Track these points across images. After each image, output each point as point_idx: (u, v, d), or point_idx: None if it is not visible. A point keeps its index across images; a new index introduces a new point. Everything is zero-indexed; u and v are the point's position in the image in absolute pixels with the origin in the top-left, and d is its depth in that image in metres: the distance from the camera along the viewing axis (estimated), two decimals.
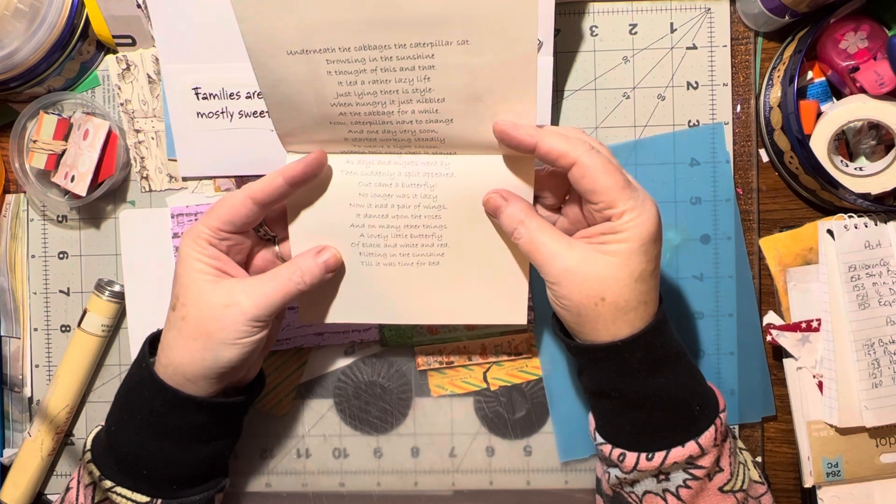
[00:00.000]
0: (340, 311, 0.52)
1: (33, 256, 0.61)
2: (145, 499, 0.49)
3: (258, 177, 0.48)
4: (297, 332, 0.60)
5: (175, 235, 0.59)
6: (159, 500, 0.49)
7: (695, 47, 0.58)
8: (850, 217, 0.57)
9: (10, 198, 0.61)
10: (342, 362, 0.60)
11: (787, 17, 0.54)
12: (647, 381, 0.46)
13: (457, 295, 0.51)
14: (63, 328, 0.61)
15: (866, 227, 0.56)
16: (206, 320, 0.46)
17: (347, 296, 0.52)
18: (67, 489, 0.52)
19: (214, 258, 0.48)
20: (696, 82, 0.58)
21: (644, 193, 0.45)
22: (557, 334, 0.50)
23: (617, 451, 0.47)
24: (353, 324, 0.60)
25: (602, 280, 0.44)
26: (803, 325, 0.57)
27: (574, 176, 0.44)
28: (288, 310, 0.59)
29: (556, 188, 0.49)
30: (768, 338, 0.57)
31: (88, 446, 0.51)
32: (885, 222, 0.56)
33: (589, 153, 0.43)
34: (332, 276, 0.50)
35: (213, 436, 0.50)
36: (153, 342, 0.50)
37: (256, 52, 0.44)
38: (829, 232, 0.56)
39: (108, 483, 0.49)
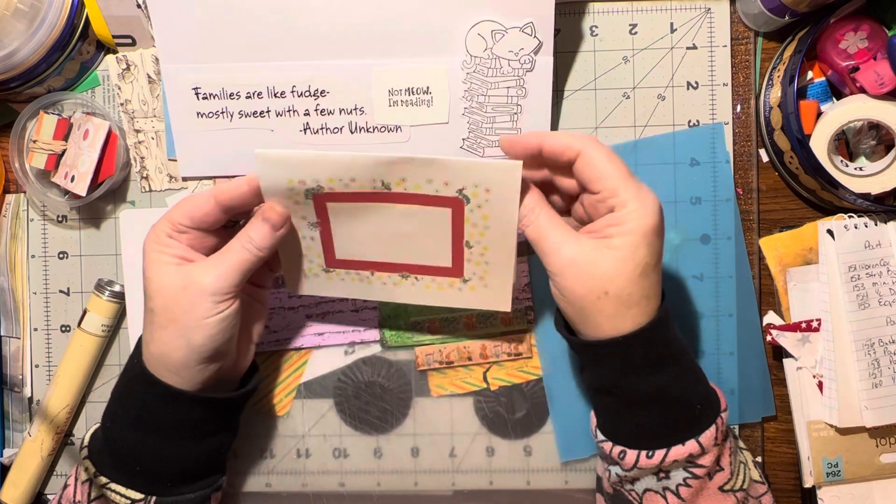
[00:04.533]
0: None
1: (33, 256, 0.61)
2: (139, 496, 0.49)
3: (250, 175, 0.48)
4: (297, 332, 0.60)
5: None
6: (153, 498, 0.49)
7: (695, 47, 0.58)
8: (850, 217, 0.57)
9: (10, 198, 0.61)
10: (342, 362, 0.60)
11: (787, 17, 0.54)
12: (648, 379, 0.46)
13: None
14: (63, 328, 0.61)
15: (866, 227, 0.56)
16: (170, 307, 0.47)
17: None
18: (65, 486, 0.52)
19: (174, 248, 0.48)
20: (696, 82, 0.58)
21: (646, 187, 0.46)
22: (560, 331, 0.50)
23: (618, 449, 0.47)
24: (354, 324, 0.60)
25: (606, 274, 0.44)
26: (803, 325, 0.57)
27: (578, 166, 0.45)
28: (287, 310, 0.59)
29: (563, 193, 0.50)
30: (768, 338, 0.57)
31: (86, 443, 0.52)
32: (885, 222, 0.56)
33: (593, 143, 0.45)
34: (285, 233, 0.49)
35: (208, 432, 0.51)
36: None
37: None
38: (829, 232, 0.56)
39: (104, 479, 0.49)
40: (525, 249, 0.58)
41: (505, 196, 0.47)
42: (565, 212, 0.51)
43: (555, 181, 0.49)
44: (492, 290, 0.52)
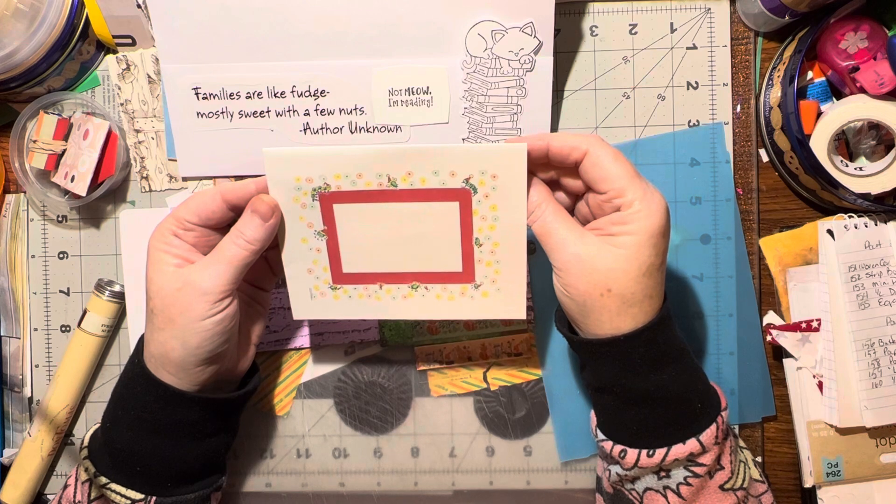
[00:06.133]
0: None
1: (33, 256, 0.61)
2: (139, 496, 0.49)
3: (258, 177, 0.48)
4: (297, 332, 0.60)
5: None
6: (153, 498, 0.49)
7: (695, 47, 0.58)
8: (850, 217, 0.57)
9: (10, 198, 0.61)
10: (342, 362, 0.60)
11: (787, 17, 0.54)
12: (649, 378, 0.46)
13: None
14: (63, 328, 0.61)
15: (866, 227, 0.56)
16: (167, 307, 0.47)
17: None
18: (65, 486, 0.52)
19: (178, 248, 0.48)
20: (696, 82, 0.58)
21: (653, 187, 0.46)
22: (560, 329, 0.50)
23: (618, 448, 0.47)
24: (353, 324, 0.60)
25: (610, 271, 0.44)
26: (803, 325, 0.57)
27: (585, 166, 0.45)
28: (287, 310, 0.59)
29: (568, 192, 0.50)
30: (768, 338, 0.57)
31: (86, 443, 0.52)
32: (885, 222, 0.56)
33: (600, 143, 0.45)
34: (276, 225, 0.48)
35: (208, 433, 0.50)
36: None
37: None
38: (829, 232, 0.56)
39: (104, 479, 0.49)
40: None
41: (512, 181, 0.47)
42: (570, 210, 0.50)
43: (560, 181, 0.49)
44: (505, 295, 0.51)
